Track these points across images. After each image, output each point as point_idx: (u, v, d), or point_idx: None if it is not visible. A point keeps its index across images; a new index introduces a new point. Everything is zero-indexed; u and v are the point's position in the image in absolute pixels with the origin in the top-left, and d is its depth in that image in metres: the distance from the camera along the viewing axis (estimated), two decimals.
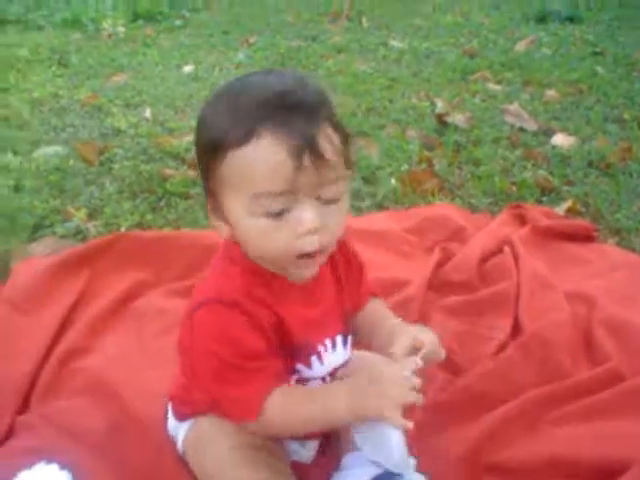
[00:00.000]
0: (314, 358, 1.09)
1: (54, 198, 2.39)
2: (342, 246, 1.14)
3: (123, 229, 2.12)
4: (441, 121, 3.00)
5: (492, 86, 3.64)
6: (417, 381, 0.97)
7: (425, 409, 1.36)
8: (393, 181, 2.38)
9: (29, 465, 1.20)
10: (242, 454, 1.09)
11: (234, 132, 0.91)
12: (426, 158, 2.59)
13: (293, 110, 0.90)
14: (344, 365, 1.15)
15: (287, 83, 0.95)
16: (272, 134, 0.89)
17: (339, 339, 1.13)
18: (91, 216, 2.25)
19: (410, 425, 0.95)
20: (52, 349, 1.60)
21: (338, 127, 0.94)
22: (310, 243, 0.94)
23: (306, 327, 1.07)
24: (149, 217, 2.21)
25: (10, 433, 1.37)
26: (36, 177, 2.55)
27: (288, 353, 1.06)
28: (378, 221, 2.07)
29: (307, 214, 0.92)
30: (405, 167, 2.50)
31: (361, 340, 1.22)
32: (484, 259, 1.91)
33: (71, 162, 2.69)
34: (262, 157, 0.89)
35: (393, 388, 0.96)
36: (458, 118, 3.02)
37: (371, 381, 0.99)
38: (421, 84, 3.69)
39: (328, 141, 0.91)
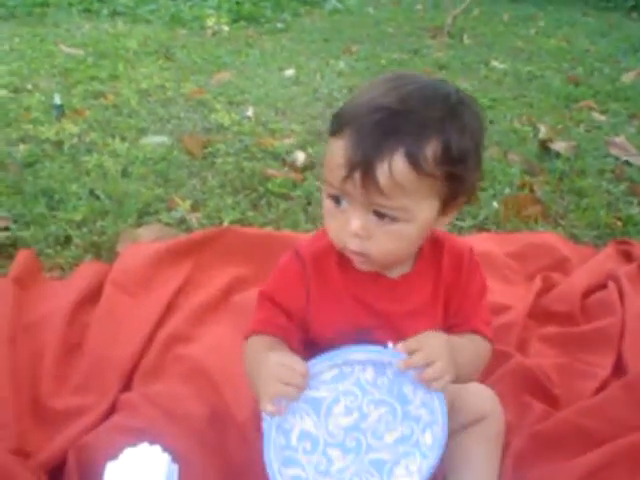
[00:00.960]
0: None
1: (159, 186, 2.48)
2: (461, 264, 1.12)
3: (226, 223, 2.17)
4: (544, 147, 2.94)
5: (597, 116, 3.55)
6: (296, 379, 0.96)
7: (523, 438, 1.35)
8: (495, 204, 2.35)
9: (133, 443, 1.23)
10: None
11: (334, 121, 0.98)
12: (528, 183, 2.54)
13: (376, 129, 0.91)
14: None
15: (401, 98, 0.94)
16: (348, 139, 0.93)
17: None
18: (194, 207, 2.31)
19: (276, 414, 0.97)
20: (155, 333, 1.66)
21: (418, 162, 0.91)
22: (354, 244, 0.98)
23: (368, 316, 1.07)
24: (250, 214, 2.25)
25: (113, 410, 1.43)
26: (143, 164, 2.65)
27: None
28: (480, 242, 2.05)
29: (352, 220, 0.96)
30: (507, 190, 2.47)
31: None
32: (587, 293, 1.87)
33: (175, 153, 2.78)
34: (333, 152, 0.95)
35: (268, 380, 0.96)
36: (561, 146, 2.96)
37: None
38: (523, 108, 3.63)
39: (389, 171, 0.90)
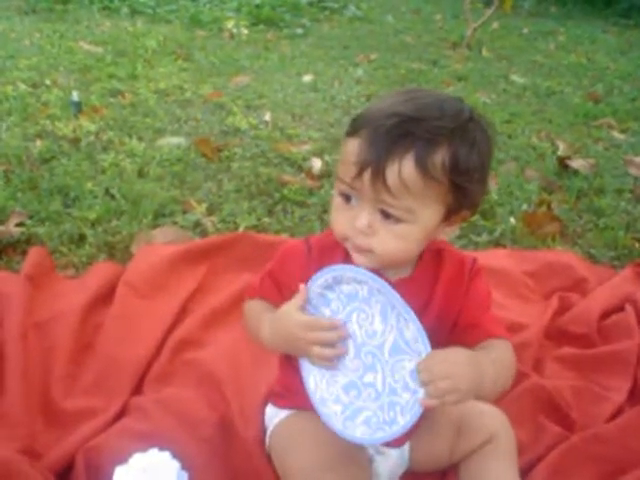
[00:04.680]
0: None
1: (175, 188, 2.47)
2: (462, 273, 1.13)
3: (241, 229, 2.15)
4: (562, 164, 2.91)
5: (616, 135, 3.52)
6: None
7: (538, 461, 1.33)
8: (512, 219, 2.33)
9: (143, 449, 1.22)
10: (331, 463, 1.11)
11: (352, 123, 1.04)
12: (546, 201, 2.52)
13: (389, 132, 0.96)
14: None
15: (418, 107, 0.99)
16: (363, 139, 0.98)
17: None
18: (209, 211, 2.30)
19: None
20: (167, 337, 1.65)
21: (426, 167, 0.96)
22: (359, 239, 1.02)
23: None
24: (266, 220, 2.24)
25: (123, 413, 1.42)
26: (159, 165, 2.64)
27: None
28: (497, 258, 2.03)
29: (360, 216, 1.00)
30: (524, 207, 2.45)
31: None
32: (604, 315, 1.84)
33: (192, 155, 2.77)
34: (348, 150, 1.01)
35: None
36: (580, 163, 2.93)
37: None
38: (542, 123, 3.61)
39: (398, 171, 0.95)
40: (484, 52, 5.50)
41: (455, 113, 1.00)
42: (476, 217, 2.35)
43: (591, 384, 1.61)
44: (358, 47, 5.35)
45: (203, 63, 4.49)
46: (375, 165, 0.96)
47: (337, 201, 1.05)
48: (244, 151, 2.85)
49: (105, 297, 1.76)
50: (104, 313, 1.71)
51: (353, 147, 0.99)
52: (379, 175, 0.96)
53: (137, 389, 1.50)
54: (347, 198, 1.03)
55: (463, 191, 1.00)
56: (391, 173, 0.95)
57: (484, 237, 2.24)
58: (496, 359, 1.08)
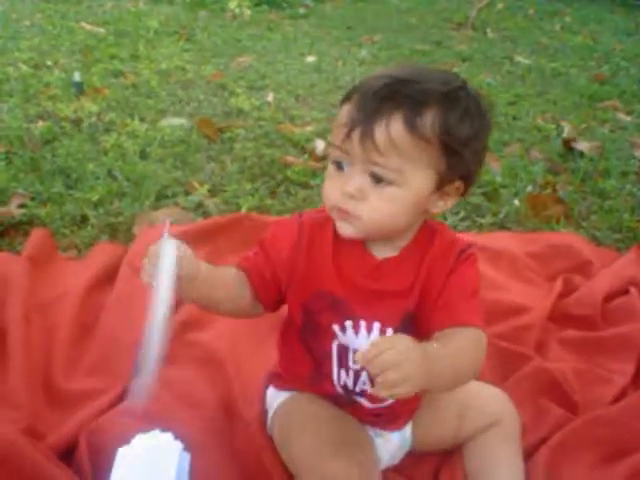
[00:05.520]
0: (349, 324, 1.09)
1: (177, 169, 2.46)
2: (450, 253, 1.07)
3: (243, 210, 2.14)
4: (567, 146, 2.89)
5: (622, 116, 3.49)
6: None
7: (541, 443, 1.33)
8: (516, 201, 2.31)
9: (145, 429, 1.22)
10: (332, 448, 1.10)
11: (346, 92, 1.04)
12: (551, 182, 2.50)
13: (379, 92, 0.96)
14: None
15: (408, 72, 1.01)
16: (351, 103, 1.00)
17: (376, 326, 1.08)
18: (211, 192, 2.29)
19: None
20: (169, 318, 1.64)
21: (415, 125, 0.95)
22: (348, 204, 1.00)
23: (346, 288, 1.08)
24: (268, 201, 2.23)
25: (125, 394, 1.41)
26: (161, 146, 2.62)
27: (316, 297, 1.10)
28: (501, 240, 2.02)
29: (350, 180, 0.99)
30: (529, 189, 2.43)
31: None
32: (608, 297, 1.83)
33: (194, 136, 2.75)
34: (340, 115, 1.01)
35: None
36: (585, 145, 2.91)
37: None
38: (547, 105, 3.58)
39: (386, 129, 0.95)
40: (489, 33, 5.45)
41: (446, 80, 1.00)
42: (480, 199, 2.34)
43: (595, 367, 1.61)
44: (362, 28, 5.30)
45: (205, 44, 4.46)
46: (363, 124, 0.95)
47: (329, 169, 1.04)
48: (247, 132, 2.83)
49: (107, 278, 1.76)
50: (106, 294, 1.70)
51: (345, 111, 1.00)
52: (367, 134, 0.95)
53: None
54: (339, 165, 1.02)
55: (455, 156, 0.98)
56: (379, 131, 0.95)
57: (488, 219, 2.22)
58: (457, 349, 0.99)
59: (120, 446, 1.17)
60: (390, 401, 1.15)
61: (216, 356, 1.53)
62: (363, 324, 1.09)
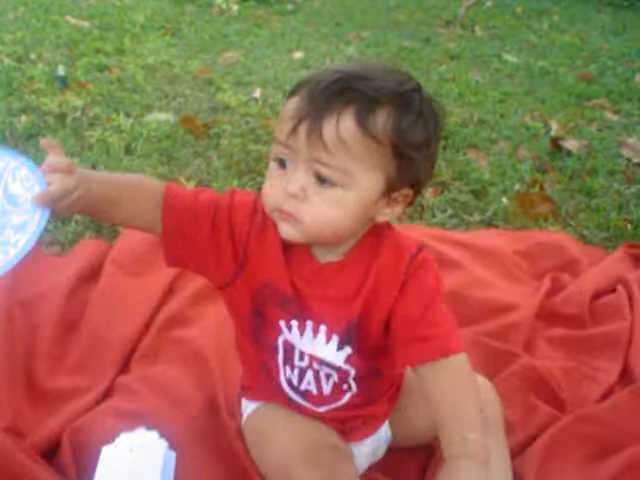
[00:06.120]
0: (294, 323, 1.05)
1: (162, 165, 2.43)
2: (399, 264, 1.01)
3: None
4: (555, 145, 2.89)
5: (609, 115, 3.50)
6: None
7: (530, 440, 1.33)
8: (504, 199, 2.31)
9: (130, 428, 1.20)
10: (309, 454, 1.08)
11: (293, 86, 0.98)
12: (538, 181, 2.50)
13: (330, 87, 0.91)
14: (333, 369, 1.08)
15: (362, 68, 0.96)
16: (299, 96, 0.93)
17: (323, 329, 1.05)
18: None
19: None
20: (154, 316, 1.62)
21: (366, 123, 0.90)
22: (290, 204, 0.94)
23: (294, 288, 1.03)
24: None
25: (109, 392, 1.40)
26: (147, 141, 2.60)
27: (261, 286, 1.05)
28: (488, 238, 2.01)
29: (292, 179, 0.93)
30: (517, 187, 2.43)
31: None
32: (596, 296, 1.83)
33: (180, 131, 2.72)
34: (285, 108, 0.95)
35: None
36: (573, 144, 2.91)
37: None
38: (535, 103, 3.58)
39: (336, 126, 0.90)
40: (477, 31, 5.45)
41: (401, 81, 0.95)
42: (468, 196, 2.34)
43: (582, 365, 1.61)
44: (350, 24, 5.29)
45: (192, 38, 4.43)
46: (312, 118, 0.90)
47: (271, 167, 0.98)
48: (233, 128, 2.81)
49: (91, 275, 1.73)
50: (90, 291, 1.68)
51: (291, 104, 0.94)
52: (315, 129, 0.89)
53: (124, 368, 1.48)
54: (281, 163, 0.96)
55: (407, 161, 0.94)
56: (328, 127, 0.89)
57: (476, 217, 2.22)
58: (469, 406, 0.99)
59: (104, 445, 1.15)
60: (337, 404, 1.13)
61: (202, 354, 1.51)
62: (310, 325, 1.05)
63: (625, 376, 1.59)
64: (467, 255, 1.90)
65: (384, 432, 1.23)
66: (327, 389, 1.11)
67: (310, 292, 1.04)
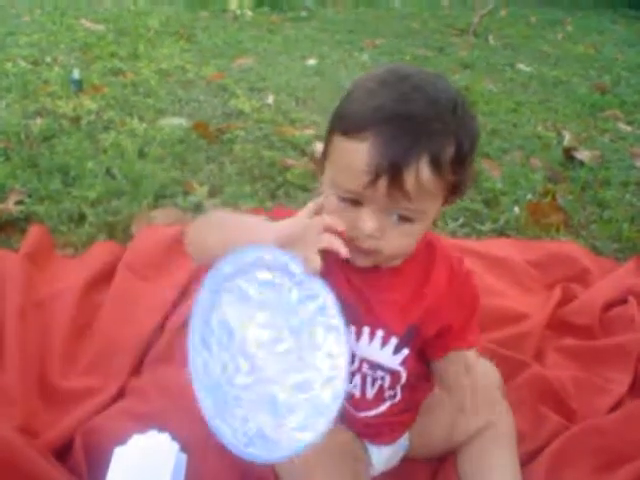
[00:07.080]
0: (352, 328, 1.05)
1: (176, 169, 2.45)
2: (453, 277, 1.08)
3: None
4: (568, 155, 2.89)
5: (623, 126, 3.49)
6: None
7: (539, 450, 1.33)
8: (516, 209, 2.31)
9: (142, 430, 1.21)
10: (329, 462, 1.08)
11: (347, 121, 0.95)
12: (551, 191, 2.50)
13: (403, 134, 0.89)
14: (387, 372, 1.10)
15: (414, 96, 0.92)
16: (372, 144, 0.90)
17: (379, 334, 1.07)
18: (211, 193, 2.28)
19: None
20: (167, 319, 1.63)
21: (440, 167, 0.91)
22: (368, 243, 0.96)
23: (354, 294, 1.04)
24: (268, 204, 2.22)
25: (122, 394, 1.41)
26: (160, 146, 2.61)
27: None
28: (500, 247, 2.01)
29: (368, 221, 0.93)
30: (529, 196, 2.43)
31: None
32: (607, 307, 1.83)
33: (193, 136, 2.74)
34: (352, 157, 0.92)
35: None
36: (586, 155, 2.91)
37: None
38: (548, 113, 3.58)
39: (415, 176, 0.89)
40: (491, 40, 5.45)
41: (452, 105, 0.94)
42: (480, 205, 2.34)
43: (592, 375, 1.60)
44: (363, 32, 5.30)
45: (206, 44, 4.45)
46: (392, 172, 0.89)
47: (336, 204, 0.96)
48: (247, 134, 2.82)
49: (105, 277, 1.75)
50: (103, 293, 1.69)
51: (359, 153, 0.91)
52: (396, 182, 0.89)
53: (136, 370, 1.49)
54: (352, 202, 0.94)
55: (459, 179, 0.97)
56: (409, 179, 0.89)
57: (488, 226, 2.22)
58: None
59: (116, 446, 1.16)
60: (377, 411, 1.14)
61: None
62: (367, 331, 1.07)
63: (635, 387, 1.58)
64: (479, 264, 1.90)
65: (403, 439, 1.24)
66: (371, 393, 1.12)
67: (371, 296, 1.06)
